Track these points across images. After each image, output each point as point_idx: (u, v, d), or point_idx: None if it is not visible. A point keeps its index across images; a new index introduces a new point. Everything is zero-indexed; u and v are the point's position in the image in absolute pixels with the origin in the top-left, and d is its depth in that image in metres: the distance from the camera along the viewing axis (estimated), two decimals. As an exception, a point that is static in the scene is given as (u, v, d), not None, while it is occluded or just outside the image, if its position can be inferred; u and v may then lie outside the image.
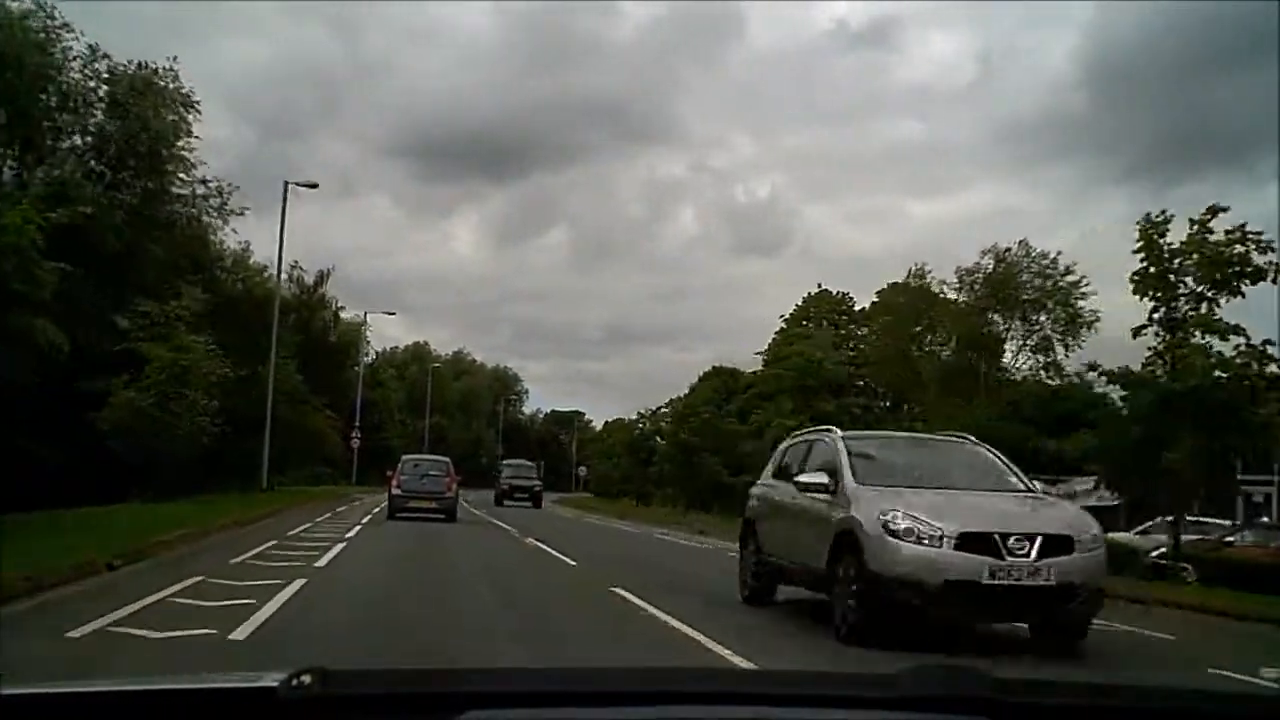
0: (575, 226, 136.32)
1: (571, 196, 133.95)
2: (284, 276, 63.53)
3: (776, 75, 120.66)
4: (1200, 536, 19.89)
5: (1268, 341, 15.84)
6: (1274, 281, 15.64)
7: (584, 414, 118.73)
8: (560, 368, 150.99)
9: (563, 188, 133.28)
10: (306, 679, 1.49)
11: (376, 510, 29.39)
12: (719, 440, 42.58)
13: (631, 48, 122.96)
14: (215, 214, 32.00)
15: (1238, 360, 15.67)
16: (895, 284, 45.60)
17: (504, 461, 45.60)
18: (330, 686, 1.51)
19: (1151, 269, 16.13)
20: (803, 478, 9.50)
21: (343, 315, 66.76)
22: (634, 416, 62.42)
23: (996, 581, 7.71)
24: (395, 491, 25.52)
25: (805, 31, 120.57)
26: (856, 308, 47.13)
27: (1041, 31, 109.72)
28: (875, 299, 46.03)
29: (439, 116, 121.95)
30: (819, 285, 49.22)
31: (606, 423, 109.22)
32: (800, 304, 48.75)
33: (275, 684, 1.50)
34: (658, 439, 43.07)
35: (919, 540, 7.86)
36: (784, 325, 48.69)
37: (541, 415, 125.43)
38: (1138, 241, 16.22)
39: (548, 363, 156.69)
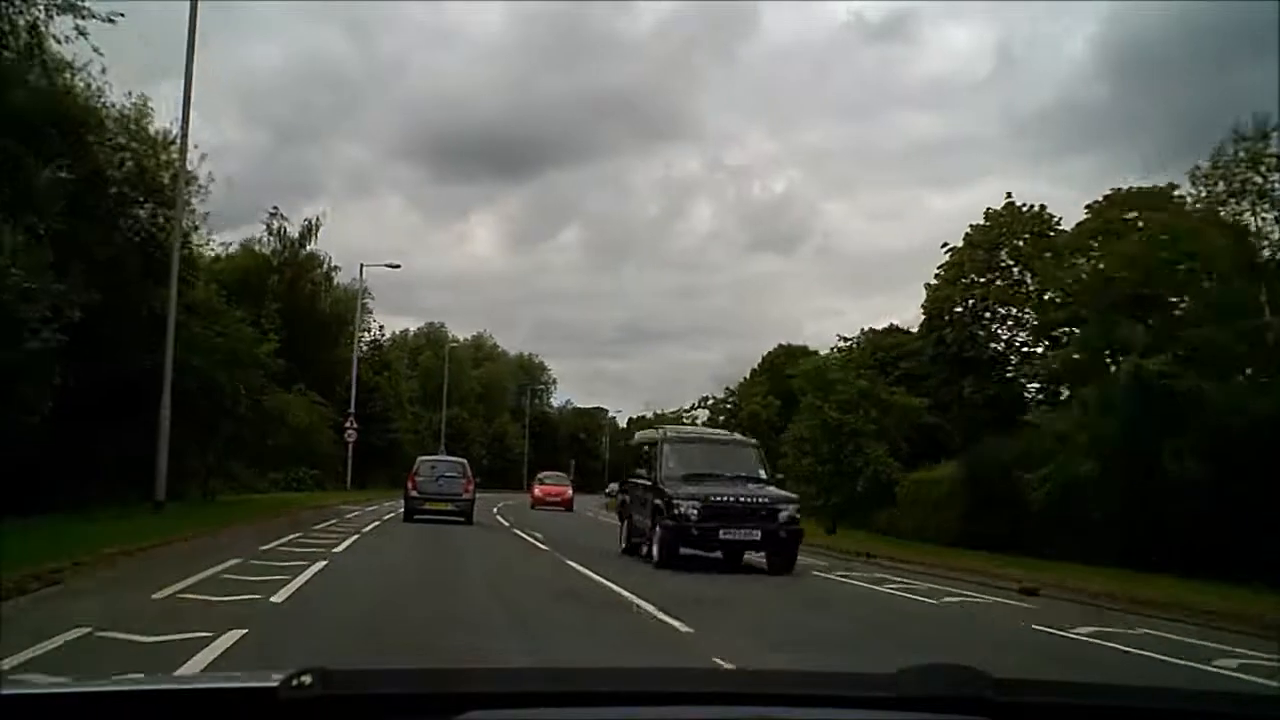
0: (591, 225, 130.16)
1: (587, 194, 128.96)
2: (262, 228, 50.16)
3: (793, 70, 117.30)
4: None
5: None
6: None
7: (607, 410, 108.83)
8: (579, 367, 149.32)
9: (578, 186, 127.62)
10: (307, 679, 1.46)
11: (342, 548, 14.97)
12: (884, 419, 28.05)
13: (647, 44, 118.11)
14: (58, 10, 17.70)
15: None
16: (1131, 190, 30.74)
17: (664, 437, 15.96)
18: (330, 686, 1.48)
19: None
20: None
21: (336, 279, 52.77)
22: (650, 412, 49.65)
23: None
24: (412, 494, 24.24)
25: (822, 25, 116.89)
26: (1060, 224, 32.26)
27: (1060, 21, 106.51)
28: (1087, 213, 31.40)
29: (452, 117, 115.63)
30: (1007, 195, 34.26)
31: (631, 419, 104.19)
32: (976, 226, 33.73)
33: (275, 684, 1.47)
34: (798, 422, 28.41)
35: None
36: (949, 258, 34.02)
37: (572, 407, 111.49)
38: None
39: (566, 362, 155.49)
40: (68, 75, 19.69)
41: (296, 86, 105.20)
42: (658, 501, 14.35)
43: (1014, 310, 32.21)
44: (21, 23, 18.21)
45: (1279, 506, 14.68)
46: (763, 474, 14.97)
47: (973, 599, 12.98)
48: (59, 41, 18.67)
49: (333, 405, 44.08)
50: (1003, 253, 32.84)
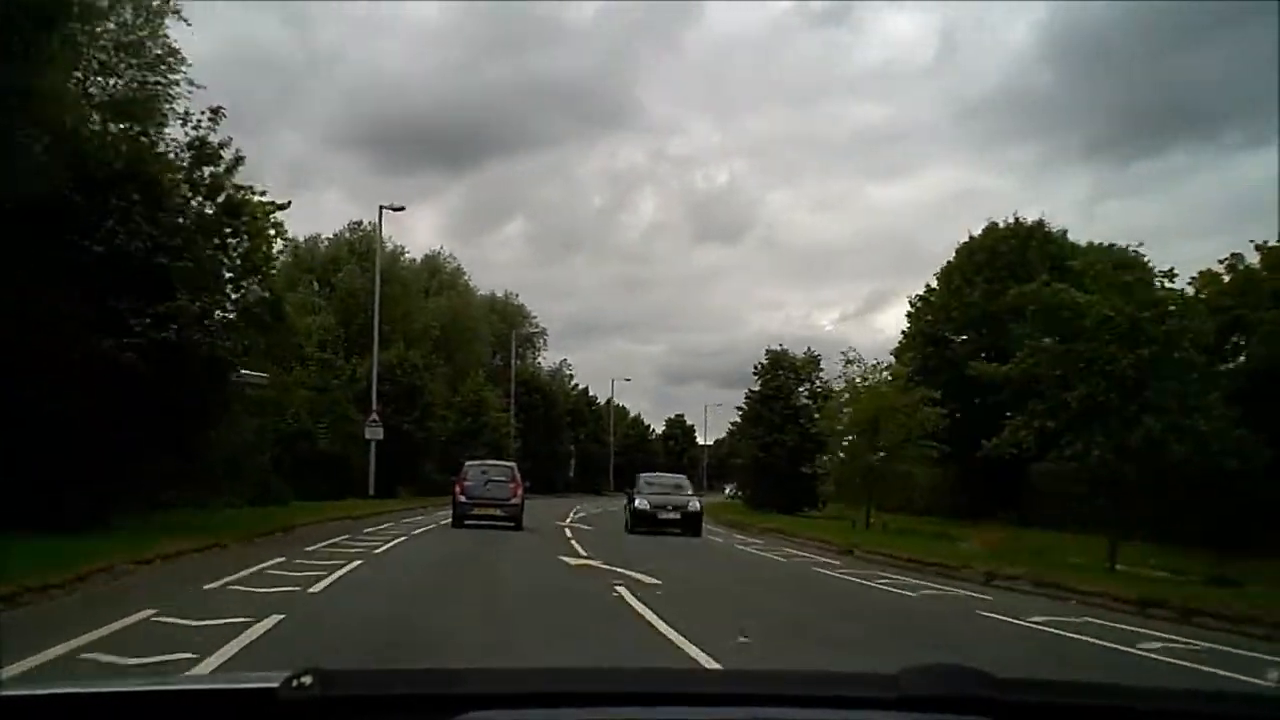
0: (535, 217, 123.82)
1: (531, 186, 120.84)
2: None
3: (737, 57, 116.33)
4: None
5: None
6: None
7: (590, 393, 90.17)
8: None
9: (521, 177, 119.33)
10: (307, 680, 1.45)
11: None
12: None
13: (590, 31, 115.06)
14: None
15: None
16: None
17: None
18: (330, 687, 1.46)
19: None
20: None
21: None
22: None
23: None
24: (460, 499, 24.46)
25: (765, 12, 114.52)
26: None
27: (1003, 7, 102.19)
28: None
29: (390, 106, 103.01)
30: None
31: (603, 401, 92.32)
32: None
33: (275, 685, 1.45)
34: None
35: None
36: None
37: (571, 376, 76.96)
38: None
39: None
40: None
41: (231, 75, 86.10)
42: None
43: None
44: None
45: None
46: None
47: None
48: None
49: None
50: None
